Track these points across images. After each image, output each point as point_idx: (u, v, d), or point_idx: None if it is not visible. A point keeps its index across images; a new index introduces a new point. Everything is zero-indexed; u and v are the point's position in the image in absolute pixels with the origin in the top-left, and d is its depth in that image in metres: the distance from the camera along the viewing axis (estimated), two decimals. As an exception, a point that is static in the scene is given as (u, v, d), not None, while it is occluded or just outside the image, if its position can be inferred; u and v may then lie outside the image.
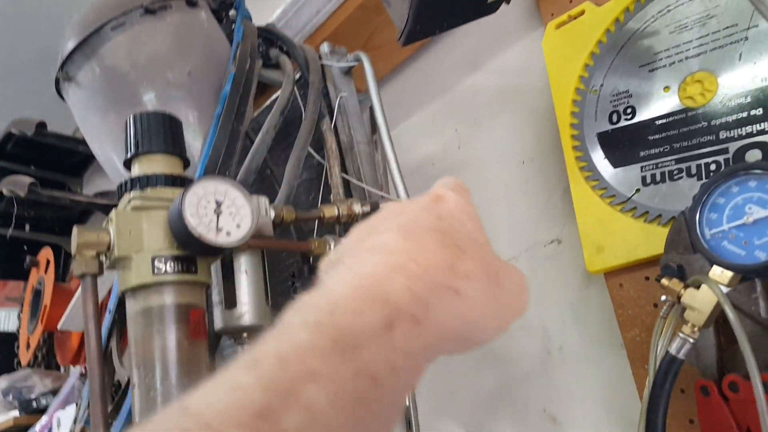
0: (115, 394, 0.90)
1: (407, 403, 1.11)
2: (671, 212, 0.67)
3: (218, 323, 0.60)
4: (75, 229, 0.49)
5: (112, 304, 0.95)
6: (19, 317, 2.33)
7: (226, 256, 0.61)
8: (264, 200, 0.66)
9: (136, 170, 0.53)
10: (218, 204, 0.50)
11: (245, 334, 0.61)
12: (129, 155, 0.54)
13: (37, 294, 2.07)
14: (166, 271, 0.49)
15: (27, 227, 2.63)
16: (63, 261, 2.51)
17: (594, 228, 0.73)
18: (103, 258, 0.51)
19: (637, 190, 0.71)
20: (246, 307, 0.59)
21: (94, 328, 0.48)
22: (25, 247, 2.35)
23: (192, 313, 0.50)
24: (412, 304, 0.23)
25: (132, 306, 0.50)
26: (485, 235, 0.29)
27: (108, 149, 0.89)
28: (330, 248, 0.67)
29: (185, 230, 0.47)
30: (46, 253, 2.16)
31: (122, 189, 0.53)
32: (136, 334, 0.49)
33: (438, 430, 0.99)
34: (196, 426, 0.18)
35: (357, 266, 0.25)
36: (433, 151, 1.08)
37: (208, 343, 0.54)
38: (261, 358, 0.21)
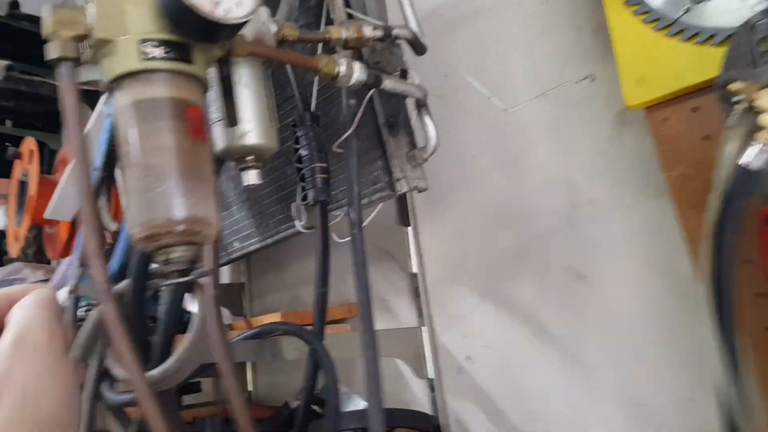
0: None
1: (414, 270, 1.07)
2: (727, 30, 0.59)
3: (219, 143, 0.52)
4: (46, 8, 0.40)
5: (98, 161, 0.87)
6: (6, 214, 2.26)
7: (224, 69, 0.53)
8: (264, 10, 0.56)
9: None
10: (214, -28, 0.41)
11: (250, 157, 0.54)
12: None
13: (23, 186, 1.98)
14: (155, 57, 0.41)
15: (9, 123, 2.49)
16: (48, 156, 2.41)
17: (635, 57, 0.65)
18: (83, 49, 0.42)
19: (687, 10, 0.62)
20: (250, 125, 0.51)
21: (76, 122, 0.40)
22: (7, 144, 2.24)
23: (190, 110, 0.42)
24: None
25: (120, 100, 0.41)
26: None
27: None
28: (339, 69, 0.58)
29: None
30: (29, 144, 2.05)
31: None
32: (126, 131, 0.41)
33: (450, 296, 0.96)
34: None
35: None
36: (441, 0, 0.97)
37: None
38: None
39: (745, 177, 0.46)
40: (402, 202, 1.04)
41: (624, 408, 0.74)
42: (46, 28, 0.40)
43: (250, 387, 1.45)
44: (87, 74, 0.46)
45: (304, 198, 0.78)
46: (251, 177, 0.53)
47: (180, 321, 0.68)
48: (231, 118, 0.52)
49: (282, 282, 1.36)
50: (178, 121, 0.42)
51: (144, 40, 0.41)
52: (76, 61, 0.41)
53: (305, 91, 0.84)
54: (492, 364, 0.90)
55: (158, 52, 0.41)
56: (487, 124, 0.91)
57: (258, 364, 1.46)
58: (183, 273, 0.42)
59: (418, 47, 0.70)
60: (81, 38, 0.41)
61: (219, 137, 0.52)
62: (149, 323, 0.76)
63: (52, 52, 0.40)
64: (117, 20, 0.41)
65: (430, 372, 0.98)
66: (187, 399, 1.30)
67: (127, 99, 0.42)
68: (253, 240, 1.12)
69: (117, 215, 0.94)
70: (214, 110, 0.53)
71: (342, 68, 0.58)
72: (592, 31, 0.75)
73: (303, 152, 0.78)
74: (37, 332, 0.33)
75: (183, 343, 0.51)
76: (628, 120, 0.72)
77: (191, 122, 0.43)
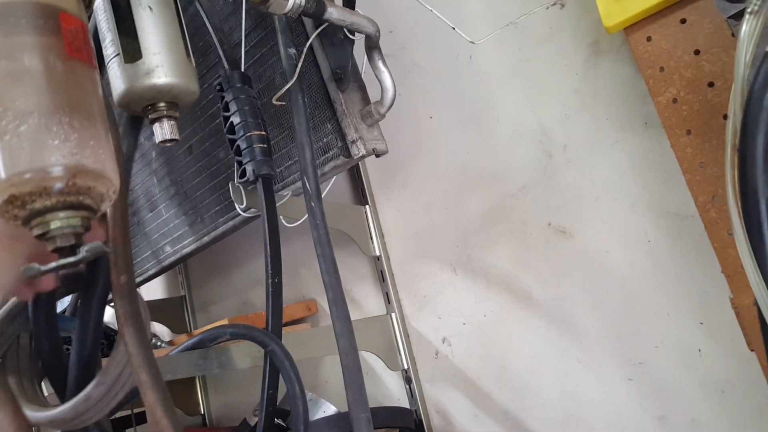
0: None
1: (377, 252, 0.97)
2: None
3: (119, 85, 0.40)
4: None
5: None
6: None
7: (117, -10, 0.40)
8: None
9: None
10: None
11: (162, 104, 0.41)
12: None
13: None
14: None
15: None
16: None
17: (610, -29, 0.57)
18: None
19: None
20: (157, 58, 0.39)
21: None
22: None
23: (64, 19, 0.30)
24: None
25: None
26: None
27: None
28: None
29: None
30: None
31: None
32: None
33: (419, 275, 0.86)
34: None
35: None
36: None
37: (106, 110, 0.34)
38: None
39: (775, 68, 0.38)
40: (356, 178, 0.94)
41: (623, 369, 0.67)
42: None
43: (202, 409, 1.30)
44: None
45: (243, 174, 0.66)
46: (166, 130, 0.41)
47: (102, 334, 0.54)
48: (130, 52, 0.40)
49: (228, 289, 1.22)
50: (46, 34, 0.29)
51: None
52: None
53: (232, 52, 0.72)
54: (471, 343, 0.81)
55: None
56: (444, 79, 0.81)
57: (209, 381, 1.31)
58: (70, 251, 0.29)
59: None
60: None
61: (117, 78, 0.40)
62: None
63: None
64: None
65: (404, 362, 0.88)
66: None
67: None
68: (187, 240, 0.98)
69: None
70: (107, 45, 0.40)
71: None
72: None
73: (235, 119, 0.66)
74: None
75: (109, 361, 0.38)
76: (604, 49, 0.64)
77: (66, 35, 0.30)
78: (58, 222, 0.29)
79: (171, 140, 0.41)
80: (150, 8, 0.40)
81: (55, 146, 0.29)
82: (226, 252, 1.21)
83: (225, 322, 0.93)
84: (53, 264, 0.30)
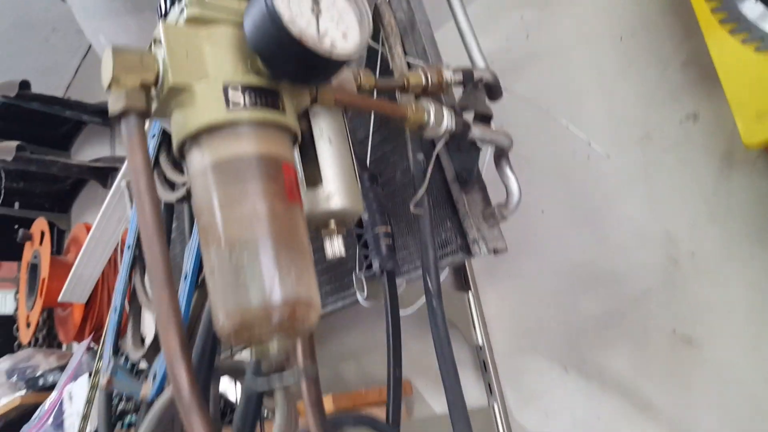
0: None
1: (479, 341, 0.96)
2: None
3: (300, 208, 0.44)
4: (107, 51, 0.33)
5: (130, 239, 0.79)
6: (15, 298, 2.17)
7: (301, 121, 0.45)
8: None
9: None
10: (315, 1, 0.34)
11: (333, 224, 0.45)
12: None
13: (34, 268, 1.89)
14: (244, 105, 0.33)
15: (17, 205, 2.45)
16: (56, 236, 2.35)
17: (749, 88, 0.58)
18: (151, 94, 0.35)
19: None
20: (334, 185, 0.43)
21: (146, 184, 0.31)
22: (16, 226, 2.18)
23: (285, 168, 0.34)
24: None
25: (197, 160, 0.33)
26: None
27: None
28: (429, 116, 0.51)
29: (278, 26, 0.31)
30: (40, 225, 1.98)
31: (166, 3, 0.36)
32: (207, 198, 0.33)
33: (524, 369, 0.85)
34: None
35: None
36: (494, 46, 0.91)
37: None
38: None
39: None
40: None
41: (759, 497, 0.62)
42: (107, 73, 0.33)
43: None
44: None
45: (368, 267, 0.69)
46: (335, 247, 0.45)
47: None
48: (311, 179, 0.44)
49: (321, 359, 1.24)
50: (271, 182, 0.34)
51: (229, 85, 0.33)
52: (145, 114, 0.33)
53: (359, 149, 0.77)
54: (583, 448, 0.78)
55: (247, 98, 0.33)
56: (558, 175, 0.83)
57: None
58: (278, 370, 0.33)
59: (496, 91, 0.63)
60: (149, 86, 0.33)
61: (300, 202, 0.44)
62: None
63: (115, 103, 0.32)
64: (194, 63, 0.34)
65: (507, 459, 0.86)
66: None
67: (206, 159, 0.34)
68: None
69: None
70: (291, 170, 0.45)
71: (431, 116, 0.50)
72: (681, 65, 0.68)
73: (363, 216, 0.69)
74: None
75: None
76: (738, 160, 0.64)
77: (288, 182, 0.34)
78: (275, 346, 0.33)
79: (340, 256, 0.44)
80: (330, 140, 0.45)
81: (278, 282, 0.32)
82: (321, 322, 1.24)
83: (329, 399, 0.95)
84: (272, 386, 0.34)
